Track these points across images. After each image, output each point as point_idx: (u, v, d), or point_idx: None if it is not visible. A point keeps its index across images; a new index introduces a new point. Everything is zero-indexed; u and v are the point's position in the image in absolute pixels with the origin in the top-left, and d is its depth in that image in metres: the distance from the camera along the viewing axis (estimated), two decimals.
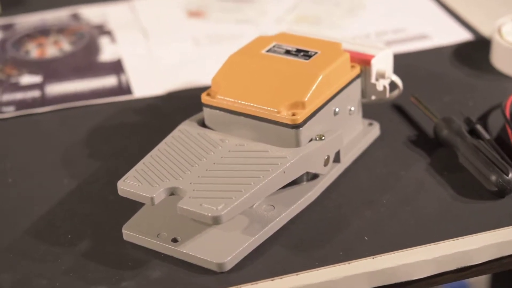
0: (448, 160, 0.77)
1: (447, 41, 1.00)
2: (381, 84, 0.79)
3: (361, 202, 0.74)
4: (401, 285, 0.68)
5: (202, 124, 0.76)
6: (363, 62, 0.78)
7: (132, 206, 0.72)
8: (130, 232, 0.70)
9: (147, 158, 0.71)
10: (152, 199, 0.66)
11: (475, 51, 0.97)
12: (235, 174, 0.68)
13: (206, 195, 0.66)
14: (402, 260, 0.67)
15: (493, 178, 0.72)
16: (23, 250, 0.71)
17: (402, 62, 0.88)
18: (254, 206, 0.71)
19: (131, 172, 0.69)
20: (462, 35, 1.01)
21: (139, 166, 0.70)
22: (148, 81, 0.95)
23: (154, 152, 0.72)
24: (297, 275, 0.67)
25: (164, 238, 0.69)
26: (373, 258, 0.68)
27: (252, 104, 0.72)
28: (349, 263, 0.67)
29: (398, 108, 0.86)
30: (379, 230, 0.70)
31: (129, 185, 0.68)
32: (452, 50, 0.97)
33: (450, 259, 0.68)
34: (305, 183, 0.74)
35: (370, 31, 1.03)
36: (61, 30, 1.08)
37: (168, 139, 0.74)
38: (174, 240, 0.69)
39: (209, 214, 0.64)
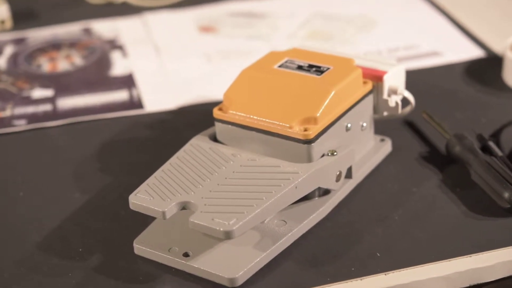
0: (461, 176, 0.77)
1: (459, 58, 0.99)
2: (393, 100, 0.79)
3: (373, 218, 0.73)
4: None
5: (214, 138, 0.76)
6: (376, 78, 0.78)
7: (143, 221, 0.72)
8: (141, 247, 0.70)
9: (158, 172, 0.71)
10: (163, 213, 0.66)
11: (487, 68, 0.97)
12: (247, 189, 0.68)
13: (217, 209, 0.66)
14: (414, 277, 0.67)
15: (506, 195, 0.72)
16: (34, 264, 0.70)
17: (414, 79, 0.88)
18: (265, 221, 0.71)
19: (143, 186, 0.69)
20: (473, 52, 1.01)
21: (151, 180, 0.70)
22: (159, 96, 0.95)
23: (166, 166, 0.72)
24: None
25: (175, 253, 0.69)
26: (385, 274, 0.67)
27: (264, 119, 0.72)
28: (361, 279, 0.67)
29: (410, 124, 0.86)
30: (391, 247, 0.70)
31: (140, 199, 0.68)
32: (464, 67, 0.97)
33: (462, 276, 0.67)
34: (316, 198, 0.74)
35: (381, 48, 1.03)
36: (73, 44, 1.09)
37: (180, 153, 0.73)
38: (186, 255, 0.69)
39: (221, 229, 0.64)
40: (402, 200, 0.75)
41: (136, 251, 0.71)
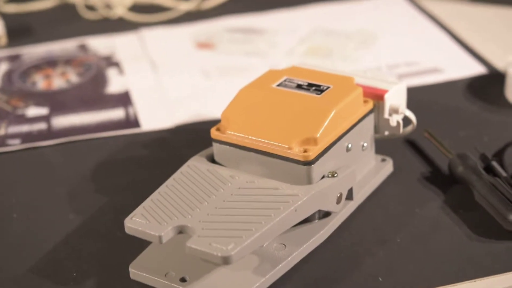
0: (464, 197, 0.76)
1: (461, 75, 0.98)
2: (395, 120, 0.77)
3: (375, 241, 0.72)
4: None
5: (212, 159, 0.74)
6: (376, 97, 0.76)
7: (139, 243, 0.70)
8: (137, 271, 0.68)
9: (155, 195, 0.69)
10: (160, 237, 0.64)
11: (489, 85, 0.95)
12: (245, 212, 0.66)
13: (215, 234, 0.64)
14: None
15: (511, 217, 0.70)
16: None
17: (414, 96, 0.86)
18: (264, 245, 0.69)
19: (139, 210, 0.67)
20: (475, 69, 0.99)
21: (147, 203, 0.68)
22: (156, 114, 0.94)
23: (162, 188, 0.70)
24: None
25: (172, 278, 0.67)
26: None
27: (262, 140, 0.71)
28: None
29: (411, 143, 0.85)
30: (393, 271, 0.68)
31: (136, 223, 0.66)
32: (466, 84, 0.96)
33: None
34: (316, 221, 0.72)
35: (382, 64, 1.02)
36: (68, 61, 1.07)
37: (177, 175, 0.72)
38: (183, 280, 0.67)
39: (219, 254, 0.62)
40: (404, 222, 0.74)
41: (131, 276, 0.69)
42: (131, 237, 0.67)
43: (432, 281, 0.67)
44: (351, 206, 0.75)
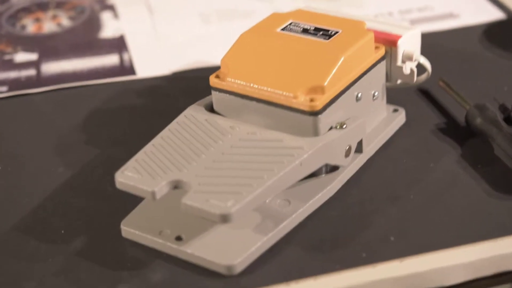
0: (483, 151, 0.71)
1: (477, 20, 0.93)
2: (408, 67, 0.72)
3: (386, 197, 0.67)
4: None
5: (211, 109, 0.69)
6: (389, 42, 0.71)
7: (132, 199, 0.66)
8: (129, 229, 0.64)
9: (148, 147, 0.64)
10: (153, 193, 0.60)
11: (508, 32, 0.90)
12: (246, 166, 0.62)
13: (213, 189, 0.59)
14: (433, 264, 0.61)
15: None
16: (10, 248, 0.65)
17: (428, 43, 0.81)
18: (267, 201, 0.65)
19: (131, 163, 0.63)
20: (493, 14, 0.94)
21: (140, 155, 0.63)
22: (152, 60, 0.89)
23: (157, 140, 0.65)
24: (314, 279, 0.60)
25: (166, 236, 0.63)
26: (400, 261, 0.61)
27: (265, 88, 0.66)
28: (373, 267, 0.61)
29: (424, 93, 0.80)
30: (406, 230, 0.64)
31: (128, 177, 0.61)
32: (483, 30, 0.90)
33: (487, 263, 0.61)
34: (323, 175, 0.68)
35: (393, 9, 0.97)
36: (60, 4, 1.02)
37: (173, 125, 0.67)
38: (178, 238, 0.63)
39: (217, 212, 0.57)
40: (418, 177, 0.69)
41: (123, 234, 0.64)
42: (123, 193, 0.63)
43: (448, 241, 0.62)
44: (361, 159, 0.70)
